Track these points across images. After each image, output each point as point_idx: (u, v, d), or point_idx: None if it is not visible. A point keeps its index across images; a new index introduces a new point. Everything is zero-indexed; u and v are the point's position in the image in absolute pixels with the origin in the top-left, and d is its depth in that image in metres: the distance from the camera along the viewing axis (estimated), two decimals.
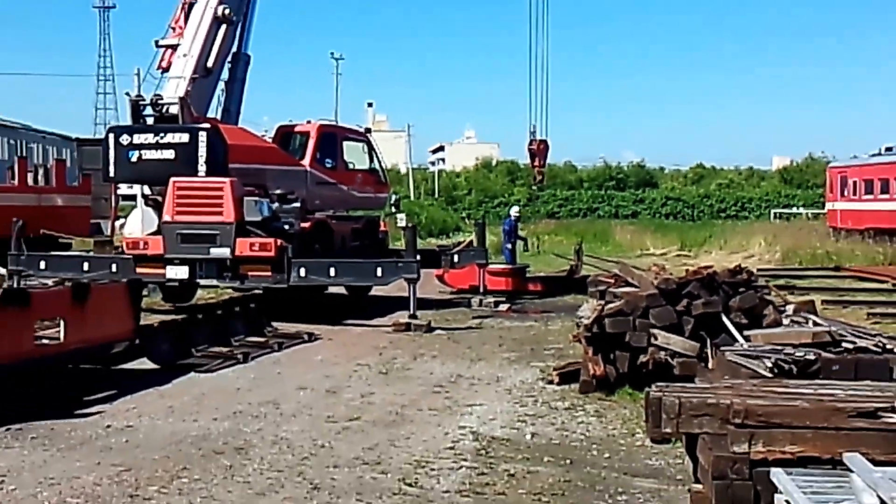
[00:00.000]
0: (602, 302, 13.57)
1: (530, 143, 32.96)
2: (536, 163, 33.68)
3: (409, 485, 8.77)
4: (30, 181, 32.31)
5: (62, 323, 13.12)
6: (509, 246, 30.71)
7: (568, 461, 9.69)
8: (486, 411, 12.00)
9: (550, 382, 13.77)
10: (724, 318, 12.44)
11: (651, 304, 12.65)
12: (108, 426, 11.05)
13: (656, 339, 12.48)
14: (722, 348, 10.99)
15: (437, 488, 8.71)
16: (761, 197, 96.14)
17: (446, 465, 9.44)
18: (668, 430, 7.71)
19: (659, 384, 8.29)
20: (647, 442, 10.17)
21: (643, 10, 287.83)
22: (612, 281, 15.14)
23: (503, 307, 23.71)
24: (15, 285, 20.27)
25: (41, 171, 34.05)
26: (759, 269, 23.33)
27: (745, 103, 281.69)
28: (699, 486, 7.57)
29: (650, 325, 12.58)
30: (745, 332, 11.80)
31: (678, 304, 12.61)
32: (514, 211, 33.80)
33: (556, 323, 20.99)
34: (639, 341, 12.61)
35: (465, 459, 9.66)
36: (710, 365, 11.46)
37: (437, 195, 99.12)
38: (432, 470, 9.27)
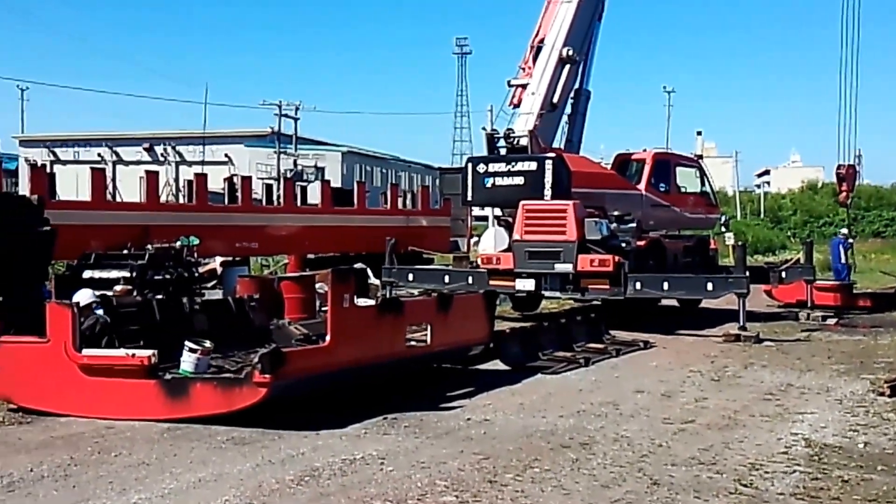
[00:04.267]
0: None
1: (838, 168, 30.57)
2: (844, 187, 30.98)
3: (745, 485, 8.44)
4: (399, 205, 33.90)
5: (429, 328, 13.64)
6: (841, 264, 28.89)
7: None
8: (816, 419, 11.41)
9: (881, 394, 12.90)
10: None
11: None
12: (468, 419, 11.35)
13: None
14: None
15: (772, 490, 8.34)
16: None
17: (780, 469, 9.03)
18: None
19: None
20: None
21: None
22: None
23: (831, 321, 22.55)
24: (388, 295, 21.33)
25: (408, 196, 35.67)
26: None
27: None
28: None
29: None
30: None
31: None
32: (844, 231, 31.93)
33: (885, 337, 19.73)
34: None
35: (797, 464, 9.21)
36: None
37: (762, 215, 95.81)
38: (766, 472, 8.89)
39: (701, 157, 27.89)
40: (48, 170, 27.27)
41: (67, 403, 11.26)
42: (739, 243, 22.55)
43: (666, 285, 19.93)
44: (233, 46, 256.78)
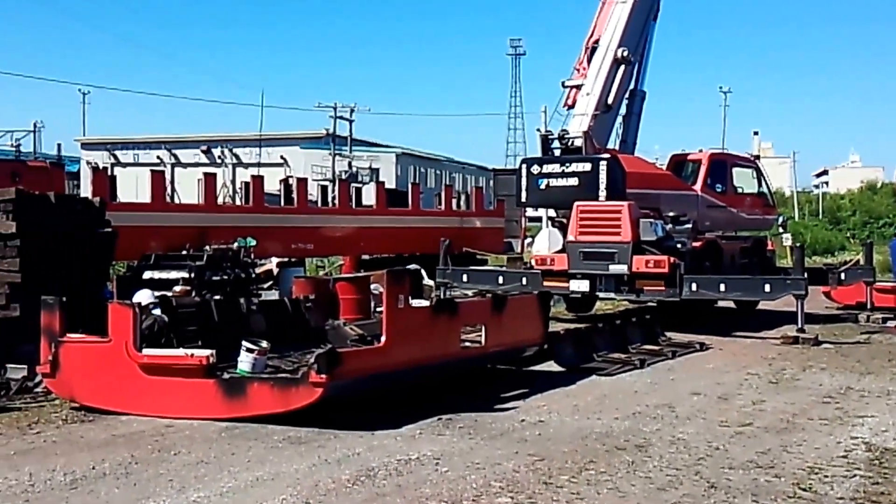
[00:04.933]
0: None
1: None
2: None
3: (804, 489, 8.33)
4: (453, 206, 33.91)
5: (483, 329, 13.64)
6: None
7: None
8: (877, 423, 11.20)
9: None
10: None
11: None
12: (523, 420, 11.33)
13: None
14: None
15: (831, 494, 8.22)
16: None
17: (839, 473, 8.90)
18: None
19: None
20: None
21: None
22: None
23: (891, 323, 22.09)
24: (442, 296, 21.35)
25: (462, 198, 35.67)
26: None
27: None
28: None
29: None
30: None
31: None
32: None
33: None
34: None
35: (857, 468, 9.06)
36: None
37: (820, 216, 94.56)
38: (825, 477, 8.77)
39: (758, 157, 27.58)
40: (109, 172, 27.54)
41: (128, 402, 11.42)
42: (797, 244, 22.27)
43: (722, 287, 19.72)
44: (289, 50, 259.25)
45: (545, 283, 20.46)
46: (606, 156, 21.44)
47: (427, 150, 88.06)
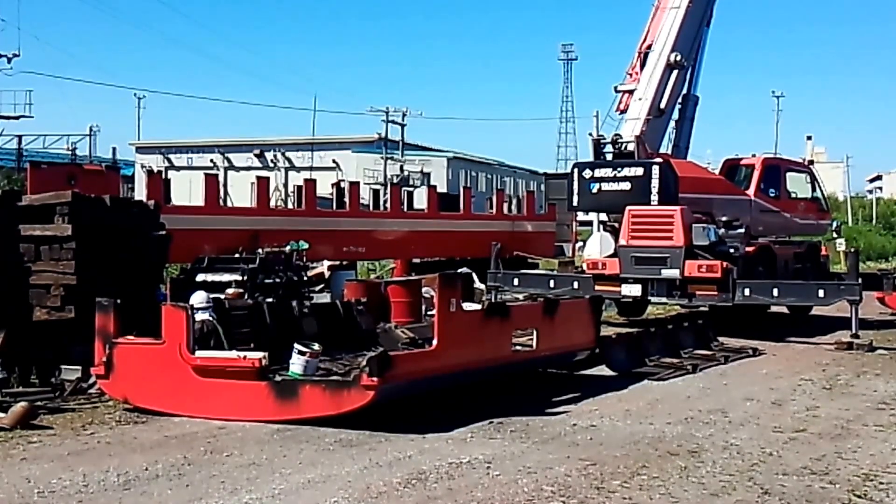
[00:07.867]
0: None
1: None
2: None
3: (859, 496, 8.20)
4: (505, 210, 33.85)
5: (535, 333, 13.58)
6: None
7: None
8: None
9: None
10: None
11: None
12: (574, 424, 11.25)
13: None
14: None
15: (887, 501, 8.10)
16: None
17: (895, 480, 8.73)
18: None
19: None
20: None
21: None
22: None
23: None
24: (493, 299, 21.31)
25: (514, 202, 35.58)
26: None
27: None
28: None
29: None
30: None
31: None
32: None
33: None
34: None
35: None
36: None
37: (874, 221, 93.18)
38: (881, 483, 8.63)
39: (811, 161, 27.27)
40: (163, 175, 27.79)
41: (181, 404, 11.51)
42: (852, 250, 21.94)
43: (776, 292, 19.49)
44: (341, 56, 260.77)
45: (597, 288, 20.39)
46: (659, 160, 21.31)
47: (479, 154, 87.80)
